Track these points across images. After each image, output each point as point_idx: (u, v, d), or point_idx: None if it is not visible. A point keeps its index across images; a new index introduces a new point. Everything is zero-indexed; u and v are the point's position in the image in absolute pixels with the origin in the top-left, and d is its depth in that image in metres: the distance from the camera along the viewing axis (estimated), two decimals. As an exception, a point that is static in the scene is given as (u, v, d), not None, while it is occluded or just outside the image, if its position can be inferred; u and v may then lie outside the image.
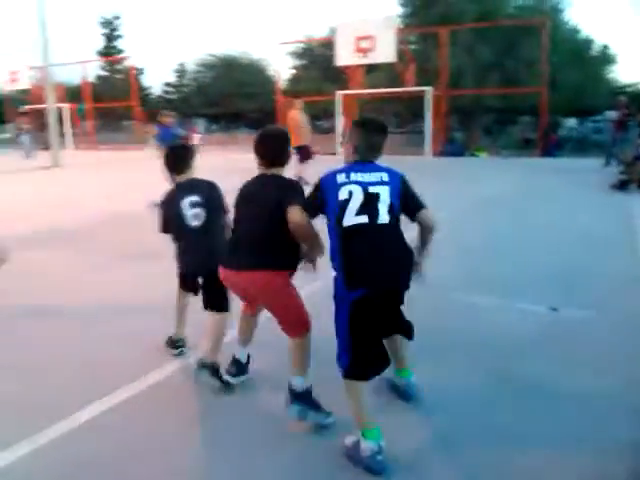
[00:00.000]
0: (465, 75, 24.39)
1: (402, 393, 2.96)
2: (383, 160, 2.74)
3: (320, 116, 32.84)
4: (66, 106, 26.35)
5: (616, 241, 6.56)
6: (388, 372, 2.72)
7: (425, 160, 18.57)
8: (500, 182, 12.28)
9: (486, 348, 3.65)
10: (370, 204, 2.39)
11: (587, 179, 12.67)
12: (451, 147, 20.79)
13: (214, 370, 3.06)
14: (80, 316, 4.31)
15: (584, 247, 6.28)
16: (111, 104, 30.53)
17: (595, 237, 6.76)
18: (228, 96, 49.01)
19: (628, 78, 50.54)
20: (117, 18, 56.81)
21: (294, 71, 55.21)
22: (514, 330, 3.94)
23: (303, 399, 2.70)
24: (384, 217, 2.41)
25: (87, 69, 29.91)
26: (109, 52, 56.20)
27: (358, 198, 2.39)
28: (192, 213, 3.14)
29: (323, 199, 2.49)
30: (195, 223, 3.15)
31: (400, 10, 27.71)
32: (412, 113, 27.94)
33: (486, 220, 8.12)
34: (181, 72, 62.82)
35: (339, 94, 20.51)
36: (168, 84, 63.59)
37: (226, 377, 3.11)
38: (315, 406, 2.70)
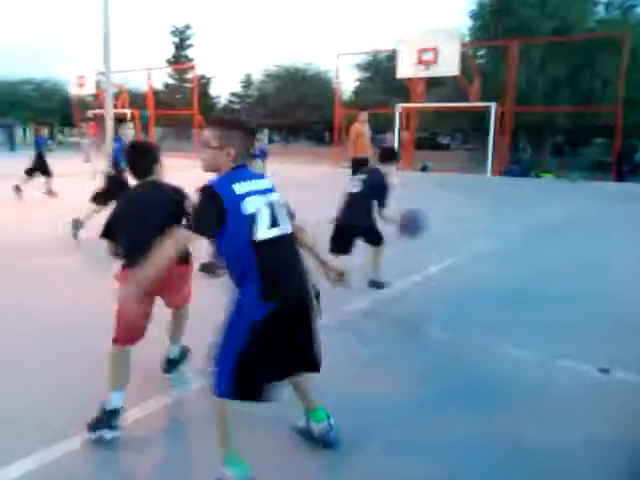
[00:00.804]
0: (535, 91, 23.15)
1: (319, 439, 2.55)
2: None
3: (382, 129, 32.18)
4: (128, 112, 26.95)
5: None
6: (296, 419, 2.60)
7: (483, 179, 17.57)
8: (563, 207, 11.21)
9: (497, 407, 2.92)
10: (275, 213, 2.24)
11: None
12: (515, 167, 19.64)
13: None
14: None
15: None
16: (172, 112, 31.05)
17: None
18: (290, 107, 49.16)
19: None
20: (188, 28, 58.52)
21: (358, 83, 55.16)
22: (548, 394, 3.15)
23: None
24: (288, 226, 2.30)
25: (152, 76, 30.48)
26: (178, 61, 57.66)
27: (265, 209, 2.20)
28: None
29: (222, 215, 2.12)
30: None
31: (469, 23, 26.92)
32: (477, 129, 26.82)
33: (534, 253, 7.16)
34: (247, 82, 63.97)
35: (399, 107, 19.78)
36: (234, 94, 64.89)
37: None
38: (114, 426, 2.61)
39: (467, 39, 26.00)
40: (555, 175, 19.17)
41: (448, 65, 17.47)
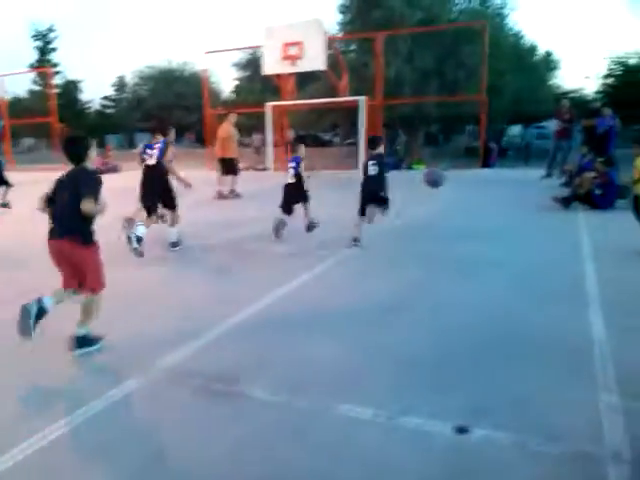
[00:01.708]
0: (404, 83, 23.32)
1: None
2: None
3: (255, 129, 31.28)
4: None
5: (559, 294, 5.00)
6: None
7: (355, 175, 17.18)
8: (423, 201, 10.90)
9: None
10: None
11: (526, 194, 11.50)
12: (389, 159, 19.46)
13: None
14: None
15: (506, 310, 4.56)
16: (29, 120, 28.20)
17: (526, 287, 5.15)
18: (166, 108, 46.89)
19: (572, 84, 50.91)
20: (51, 30, 54.19)
21: (238, 82, 53.78)
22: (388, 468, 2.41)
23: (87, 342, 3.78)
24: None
25: (5, 83, 27.36)
26: (43, 66, 53.25)
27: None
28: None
29: None
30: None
31: (339, 17, 26.66)
32: (354, 124, 26.67)
33: (378, 260, 6.50)
34: (120, 85, 60.41)
35: (269, 106, 18.95)
36: (106, 98, 61.04)
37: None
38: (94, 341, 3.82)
39: (340, 34, 25.82)
40: (427, 165, 19.30)
41: (314, 60, 16.90)
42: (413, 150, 27.51)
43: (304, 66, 17.33)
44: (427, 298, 4.93)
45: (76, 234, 3.60)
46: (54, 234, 3.65)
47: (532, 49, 31.20)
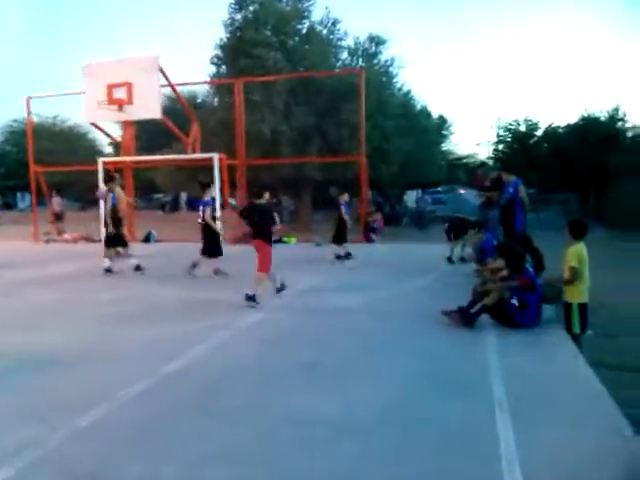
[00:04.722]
0: (281, 142, 20.07)
1: None
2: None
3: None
4: None
5: None
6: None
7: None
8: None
9: None
10: None
11: (417, 294, 7.91)
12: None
13: None
14: None
15: None
16: None
17: None
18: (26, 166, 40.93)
19: (464, 150, 50.89)
20: None
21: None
22: None
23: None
24: None
25: None
26: None
27: None
28: None
29: None
30: None
31: (212, 70, 23.39)
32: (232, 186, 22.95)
33: None
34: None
35: (101, 162, 14.67)
36: (-34, 153, 53.76)
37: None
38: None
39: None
40: (298, 239, 15.76)
41: (147, 106, 13.02)
42: (301, 218, 24.22)
43: (134, 113, 13.42)
44: None
45: None
46: None
47: (424, 112, 29.48)
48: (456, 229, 10.39)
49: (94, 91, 13.34)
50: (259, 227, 7.10)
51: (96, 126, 15.08)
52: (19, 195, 51.66)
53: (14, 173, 42.87)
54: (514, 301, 5.66)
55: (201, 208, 8.91)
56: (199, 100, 28.08)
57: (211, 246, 9.02)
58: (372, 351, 5.17)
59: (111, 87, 13.19)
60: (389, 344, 5.40)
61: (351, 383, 4.37)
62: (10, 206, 46.94)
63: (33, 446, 3.27)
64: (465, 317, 5.75)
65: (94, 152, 40.26)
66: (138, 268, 9.64)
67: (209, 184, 9.34)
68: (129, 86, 13.07)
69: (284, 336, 5.75)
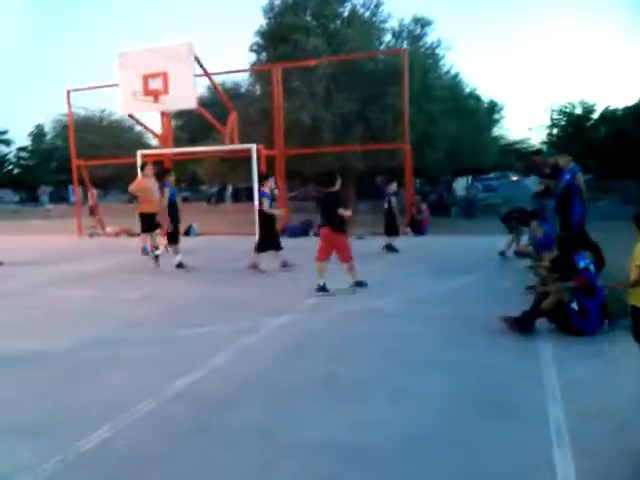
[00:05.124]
0: (321, 130, 19.48)
1: None
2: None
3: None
4: None
5: None
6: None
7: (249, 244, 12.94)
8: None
9: None
10: None
11: (462, 294, 7.22)
12: (298, 223, 15.24)
13: None
14: None
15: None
16: None
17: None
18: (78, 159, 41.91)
19: (516, 135, 48.88)
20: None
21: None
22: None
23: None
24: None
25: None
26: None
27: None
28: None
29: None
30: None
31: (252, 58, 22.99)
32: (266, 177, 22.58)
33: None
34: (38, 135, 55.39)
35: (140, 155, 14.53)
36: (22, 149, 55.83)
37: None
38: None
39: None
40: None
41: (183, 96, 12.70)
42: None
43: (170, 103, 13.12)
44: None
45: None
46: None
47: (473, 95, 28.14)
48: (516, 219, 9.53)
49: (129, 82, 13.10)
50: (330, 215, 7.00)
51: (133, 118, 14.89)
52: (71, 188, 53.32)
53: (65, 167, 44.05)
54: (574, 305, 4.94)
55: (257, 197, 9.07)
56: (243, 90, 27.79)
57: (267, 240, 8.90)
58: (402, 363, 4.57)
59: (147, 77, 12.91)
60: (424, 355, 4.78)
61: (373, 404, 3.80)
62: (64, 199, 48.29)
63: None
64: (520, 323, 5.07)
65: (141, 145, 40.74)
66: (181, 265, 9.53)
67: (267, 176, 9.21)
68: (165, 76, 12.75)
69: (308, 343, 5.21)
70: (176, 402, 3.89)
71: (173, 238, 9.71)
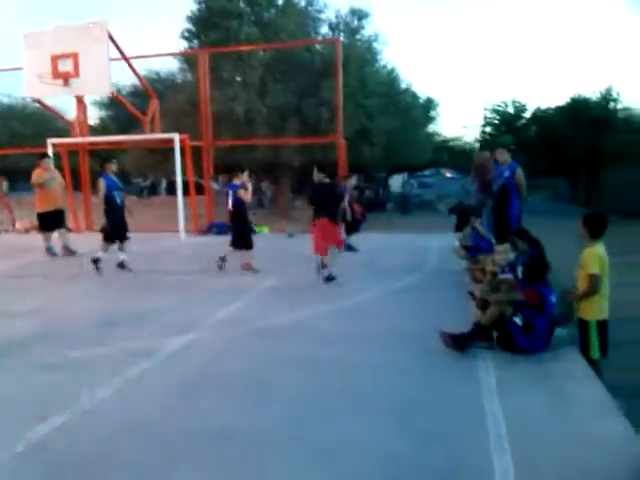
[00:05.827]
0: (255, 122, 18.59)
1: None
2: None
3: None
4: None
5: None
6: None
7: (172, 242, 11.92)
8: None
9: None
10: None
11: (394, 303, 6.58)
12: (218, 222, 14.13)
13: None
14: None
15: None
16: None
17: None
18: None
19: (451, 132, 49.52)
20: None
21: (97, 122, 46.82)
22: None
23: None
24: None
25: None
26: None
27: None
28: None
29: None
30: None
31: (185, 46, 21.72)
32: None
33: None
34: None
35: (50, 143, 13.18)
36: None
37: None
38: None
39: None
40: (271, 228, 14.42)
41: (95, 79, 11.51)
42: (279, 204, 22.86)
43: (82, 88, 11.90)
44: None
45: None
46: None
47: (409, 91, 27.93)
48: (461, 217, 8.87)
49: (36, 63, 11.77)
50: (325, 206, 7.29)
51: (40, 102, 13.49)
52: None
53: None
54: (517, 319, 4.39)
55: (230, 193, 8.23)
56: (178, 80, 26.36)
57: (241, 237, 8.23)
58: (312, 400, 3.77)
59: (55, 58, 11.64)
60: (339, 385, 4.02)
61: (273, 466, 3.03)
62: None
63: None
64: (458, 342, 4.47)
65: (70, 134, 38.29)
66: (122, 265, 8.72)
67: (243, 169, 8.45)
68: (75, 57, 11.52)
69: (208, 376, 4.28)
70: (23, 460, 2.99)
71: (107, 237, 8.65)
